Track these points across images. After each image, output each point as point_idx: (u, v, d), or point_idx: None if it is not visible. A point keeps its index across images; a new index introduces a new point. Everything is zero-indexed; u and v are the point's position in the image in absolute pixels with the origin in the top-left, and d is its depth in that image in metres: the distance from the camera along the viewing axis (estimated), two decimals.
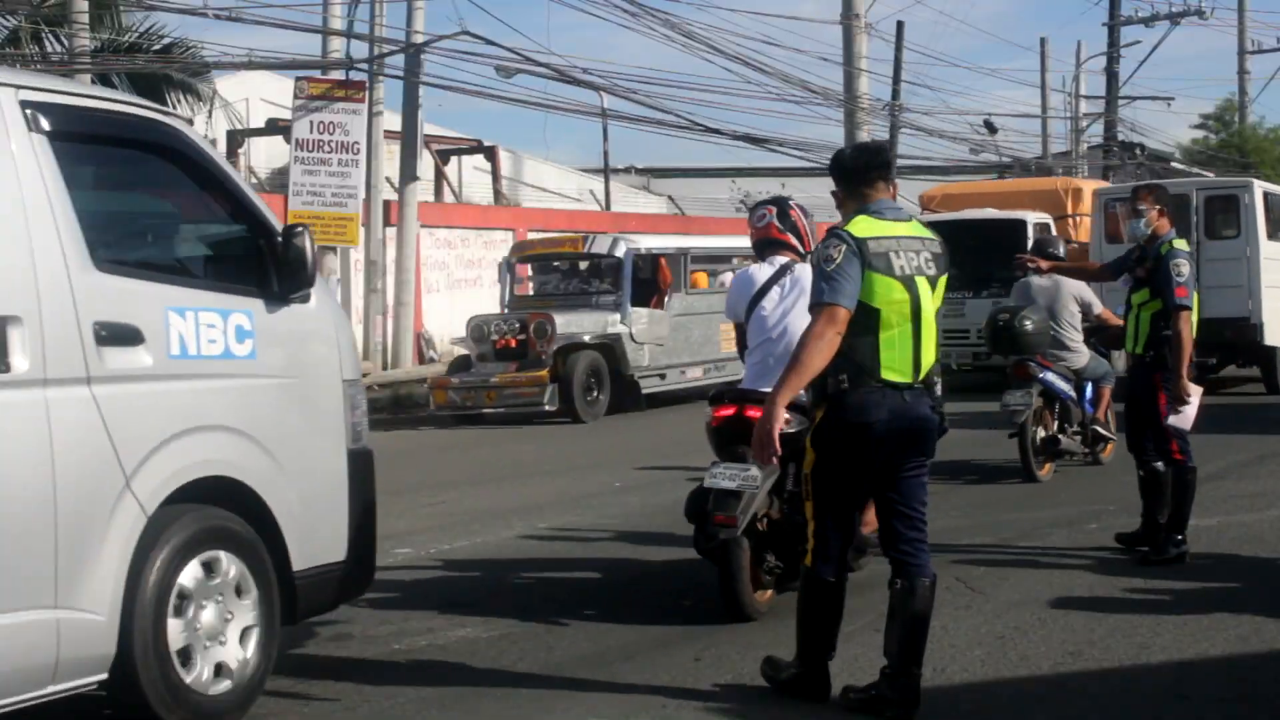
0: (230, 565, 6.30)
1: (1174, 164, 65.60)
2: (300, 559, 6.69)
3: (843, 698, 6.61)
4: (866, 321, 6.29)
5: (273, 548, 6.54)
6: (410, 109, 26.75)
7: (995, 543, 10.10)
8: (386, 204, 26.95)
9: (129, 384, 5.92)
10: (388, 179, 27.52)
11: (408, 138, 26.82)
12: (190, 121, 26.87)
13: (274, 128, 30.93)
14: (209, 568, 6.21)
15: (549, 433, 19.39)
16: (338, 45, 26.67)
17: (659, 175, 56.43)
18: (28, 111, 5.78)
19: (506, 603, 8.91)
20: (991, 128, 45.03)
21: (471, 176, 37.10)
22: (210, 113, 27.17)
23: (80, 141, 6.10)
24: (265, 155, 33.19)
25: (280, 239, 6.60)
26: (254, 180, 30.54)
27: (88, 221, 5.87)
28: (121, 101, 6.66)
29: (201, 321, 6.25)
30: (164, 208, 7.12)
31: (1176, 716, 6.46)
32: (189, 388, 6.20)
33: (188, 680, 6.06)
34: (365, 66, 26.27)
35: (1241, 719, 6.40)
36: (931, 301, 6.44)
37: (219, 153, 7.47)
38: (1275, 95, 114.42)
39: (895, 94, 45.82)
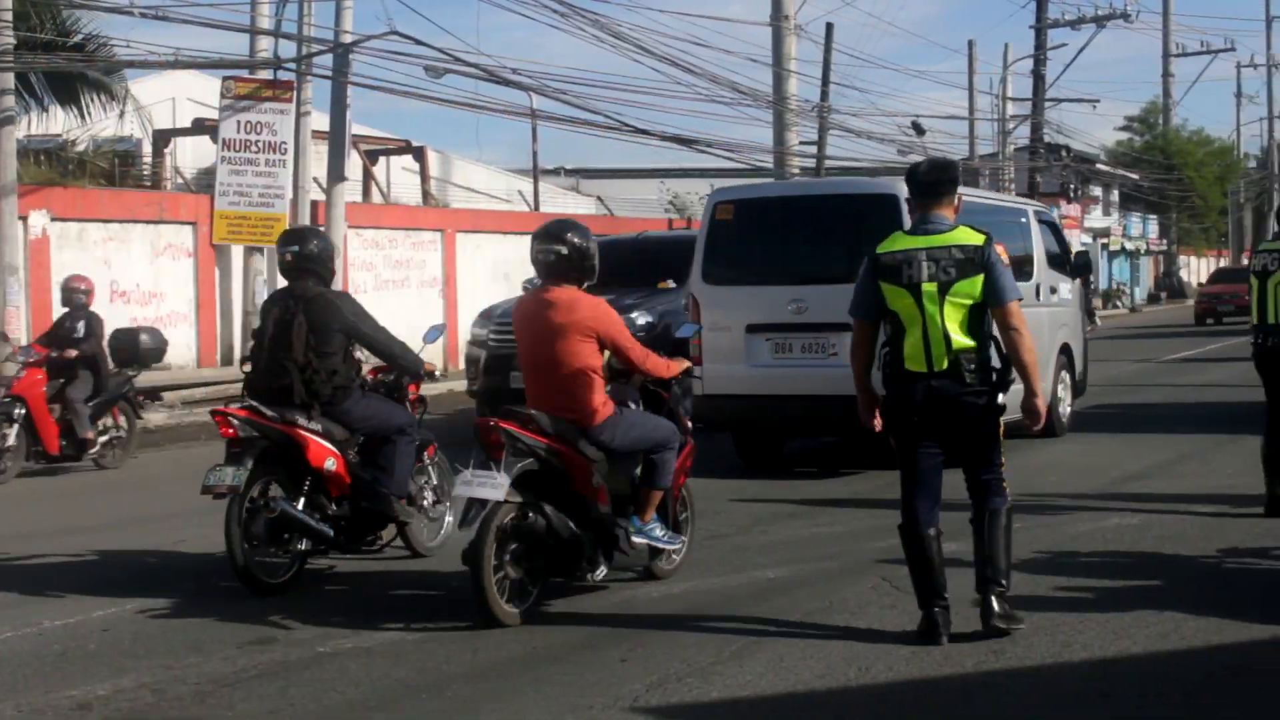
0: None
1: (1099, 165, 66.29)
2: None
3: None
4: (894, 323, 7.62)
5: None
6: (338, 109, 26.62)
7: None
8: (314, 204, 26.82)
9: None
10: (315, 179, 27.39)
11: (335, 138, 26.69)
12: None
13: (201, 127, 30.70)
14: None
15: None
16: (265, 45, 26.51)
17: (588, 176, 56.48)
18: None
19: (434, 604, 8.90)
20: (919, 129, 45.29)
21: (400, 177, 36.98)
22: (122, 113, 26.92)
23: None
24: (192, 155, 32.93)
25: None
26: (180, 180, 30.30)
27: None
28: None
29: None
30: None
31: (1098, 714, 6.52)
32: None
33: None
34: (293, 66, 26.11)
35: (1161, 716, 6.45)
36: (936, 301, 7.50)
37: None
38: (1199, 98, 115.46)
39: (824, 95, 46.01)
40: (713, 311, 13.98)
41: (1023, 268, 15.71)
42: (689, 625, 8.13)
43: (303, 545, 9.37)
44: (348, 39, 26.29)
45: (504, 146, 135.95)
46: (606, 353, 8.77)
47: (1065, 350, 17.25)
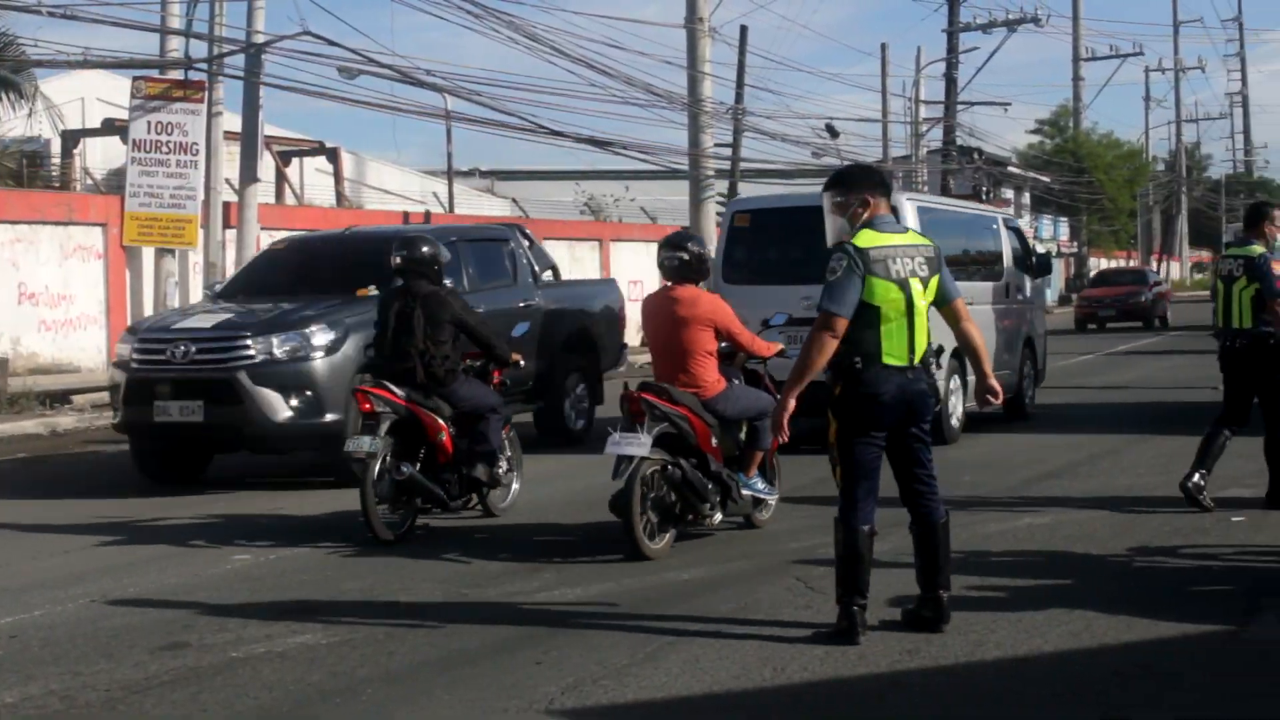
0: None
1: (1011, 168, 66.85)
2: None
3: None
4: (870, 317, 7.60)
5: None
6: (250, 110, 26.40)
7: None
8: (226, 205, 26.57)
9: None
10: (227, 180, 27.14)
11: (248, 139, 26.47)
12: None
13: (110, 128, 30.40)
14: None
15: None
16: (176, 45, 26.23)
17: (503, 178, 56.37)
18: None
19: (347, 608, 8.83)
20: (833, 132, 45.50)
21: (314, 178, 36.76)
22: (30, 112, 26.59)
23: None
24: (102, 156, 32.61)
25: None
26: (90, 181, 29.96)
27: None
28: None
29: None
30: None
31: (1011, 713, 6.57)
32: None
33: None
34: (204, 66, 25.86)
35: (1073, 714, 6.51)
36: (923, 298, 7.72)
37: None
38: (1109, 101, 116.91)
39: (739, 97, 46.12)
40: (733, 309, 14.50)
41: (993, 268, 18.42)
42: (604, 627, 8.12)
43: (418, 503, 11.28)
44: (260, 39, 26.08)
45: (418, 148, 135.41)
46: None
47: (1029, 343, 19.22)
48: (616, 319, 18.58)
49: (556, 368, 16.80)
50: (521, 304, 16.29)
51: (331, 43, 27.21)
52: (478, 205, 42.33)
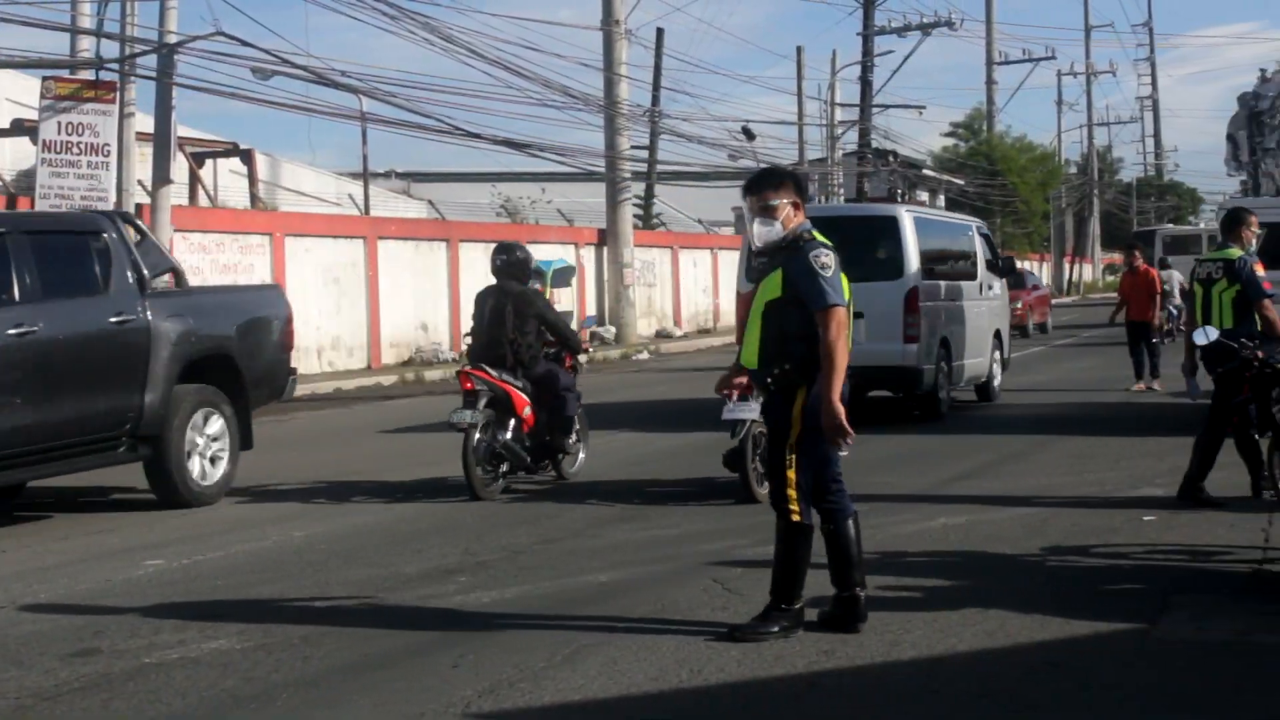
0: None
1: (926, 171, 67.32)
2: None
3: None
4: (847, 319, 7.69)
5: None
6: (163, 110, 26.18)
7: (750, 543, 10.20)
8: (138, 207, 26.30)
9: None
10: (140, 182, 26.88)
11: (160, 140, 26.25)
12: None
13: (20, 128, 29.98)
14: None
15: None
16: (87, 44, 26.01)
17: (419, 179, 56.13)
18: None
19: (262, 612, 8.76)
20: (749, 134, 45.71)
21: (228, 180, 36.43)
22: None
23: None
24: (11, 157, 32.14)
25: None
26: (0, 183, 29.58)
27: None
28: None
29: None
30: None
31: (926, 712, 6.61)
32: None
33: None
34: (116, 66, 25.62)
35: (987, 713, 6.56)
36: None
37: None
38: (1022, 105, 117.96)
39: (655, 100, 46.29)
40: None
41: (970, 269, 20.82)
42: (522, 630, 8.11)
43: (504, 468, 13.10)
44: (172, 39, 25.87)
45: (334, 149, 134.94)
46: None
47: (997, 335, 21.74)
48: (277, 336, 14.49)
49: (172, 404, 12.79)
50: (115, 319, 12.47)
51: (245, 43, 26.95)
52: (393, 207, 42.13)
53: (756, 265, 8.11)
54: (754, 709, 6.71)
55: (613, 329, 39.07)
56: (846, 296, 7.74)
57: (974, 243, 21.13)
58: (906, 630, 7.87)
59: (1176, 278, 33.76)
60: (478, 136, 32.80)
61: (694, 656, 7.44)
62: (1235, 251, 11.99)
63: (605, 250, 39.85)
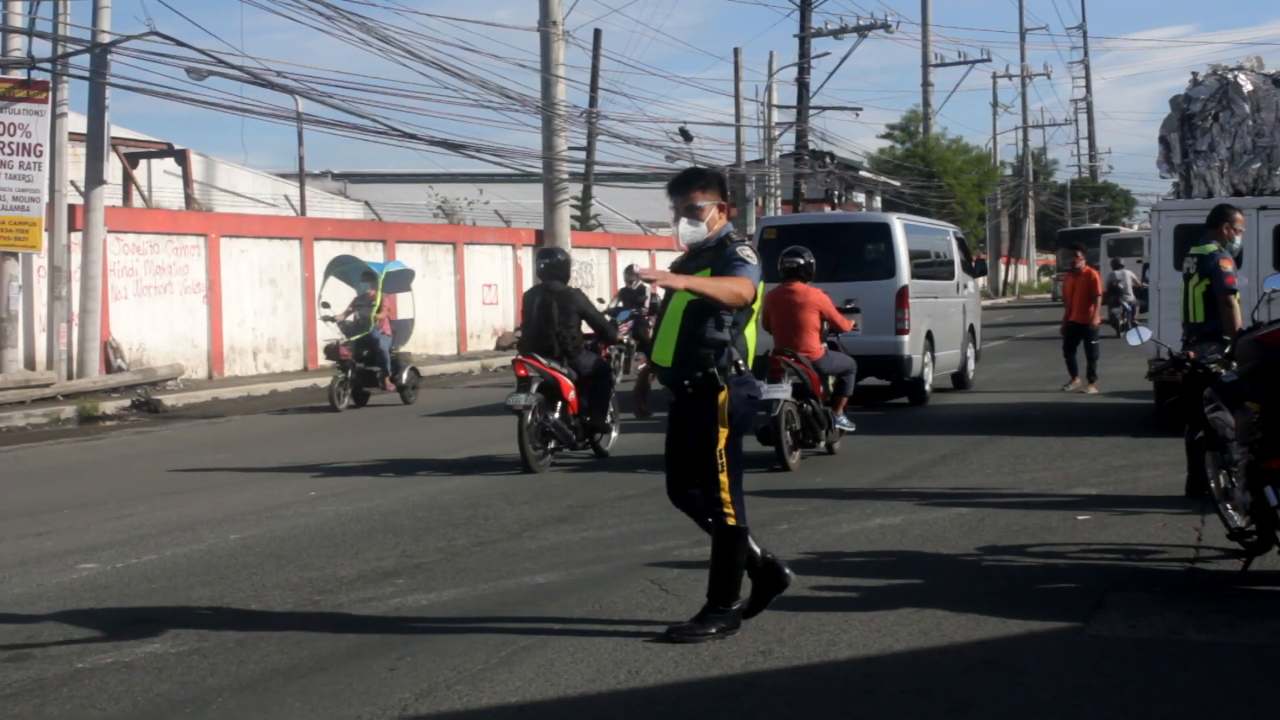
0: None
1: (862, 172, 67.59)
2: None
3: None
4: (746, 319, 7.79)
5: None
6: (96, 111, 25.99)
7: (687, 544, 10.20)
8: (71, 208, 26.11)
9: None
10: (73, 182, 26.67)
11: (94, 140, 26.05)
12: None
13: None
14: None
15: (243, 440, 19.05)
16: (19, 44, 25.72)
17: (356, 180, 55.93)
18: None
19: (197, 616, 8.71)
20: (687, 135, 45.73)
21: (162, 181, 36.17)
22: None
23: None
24: None
25: None
26: None
27: None
28: None
29: None
30: None
31: (863, 711, 6.63)
32: None
33: None
34: (48, 66, 25.41)
35: (923, 711, 6.58)
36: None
37: None
38: (958, 107, 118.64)
39: (593, 101, 46.25)
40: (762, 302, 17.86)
41: (950, 270, 23.51)
42: (459, 632, 8.09)
43: (551, 445, 15.04)
44: (106, 39, 25.69)
45: (270, 150, 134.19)
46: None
47: (971, 329, 24.19)
48: None
49: None
50: None
51: (179, 43, 26.85)
52: (329, 208, 41.94)
53: (676, 264, 8.13)
54: (691, 710, 6.71)
55: None
56: (757, 305, 7.85)
57: (951, 246, 23.88)
58: (843, 630, 7.89)
59: (1129, 276, 34.19)
60: (414, 137, 32.68)
61: (631, 658, 7.44)
62: (1211, 247, 12.20)
63: None
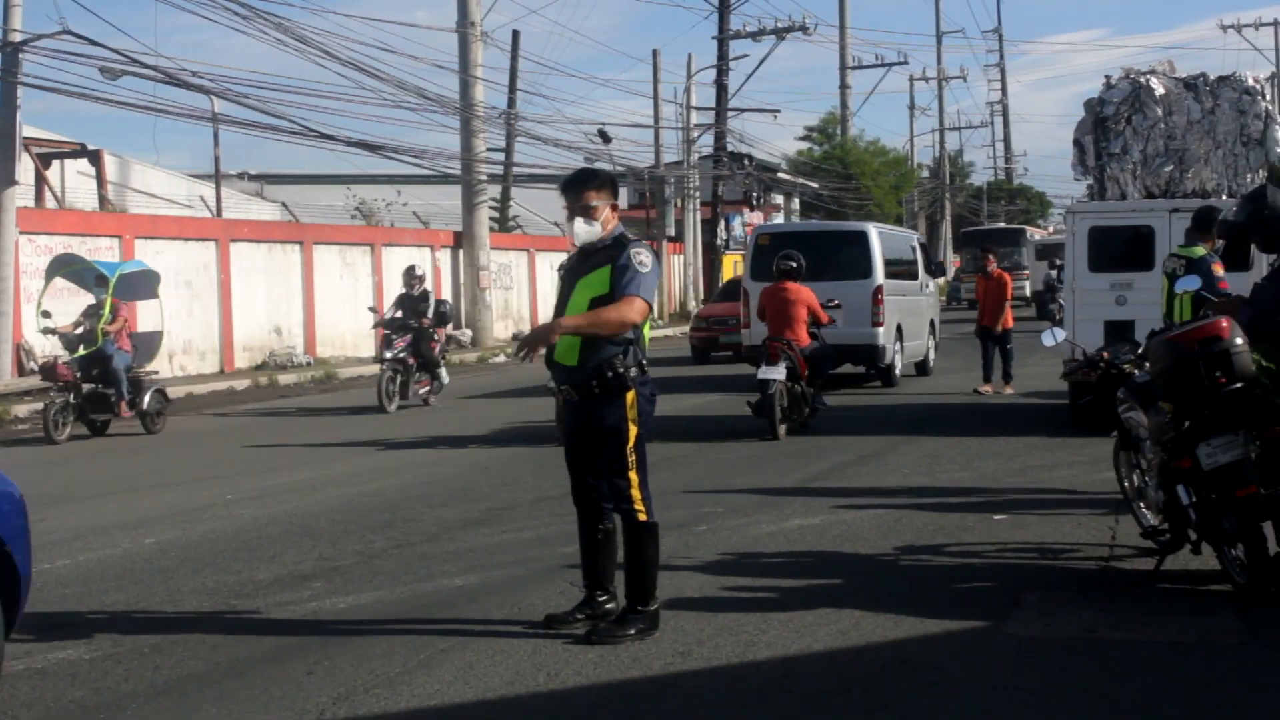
0: None
1: (781, 174, 67.83)
2: None
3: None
4: (649, 315, 7.87)
5: None
6: (8, 110, 25.69)
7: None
8: None
9: None
10: None
11: (4, 140, 25.73)
12: None
13: None
14: None
15: (163, 446, 18.88)
16: None
17: (273, 181, 55.55)
18: None
19: (111, 621, 8.62)
20: (605, 137, 45.74)
21: (76, 181, 35.78)
22: None
23: None
24: None
25: None
26: None
27: None
28: None
29: None
30: None
31: (781, 711, 6.65)
32: None
33: None
34: None
35: (841, 711, 6.61)
36: None
37: None
38: (875, 109, 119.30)
39: (511, 102, 46.17)
40: (757, 298, 19.97)
41: (913, 271, 26.64)
42: (377, 635, 8.05)
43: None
44: (17, 38, 25.39)
45: (186, 150, 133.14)
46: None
47: (931, 322, 27.55)
48: None
49: None
50: None
51: (93, 42, 26.56)
52: (246, 209, 41.65)
53: (568, 264, 8.12)
54: (610, 711, 6.71)
55: (469, 332, 38.92)
56: (654, 304, 7.91)
57: (915, 250, 27.47)
58: (762, 631, 7.91)
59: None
60: (331, 138, 32.52)
61: (551, 660, 7.43)
62: (1200, 250, 12.30)
63: (461, 253, 39.71)
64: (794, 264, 18.21)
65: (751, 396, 17.64)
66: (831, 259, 23.18)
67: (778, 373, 17.10)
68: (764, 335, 18.33)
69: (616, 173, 48.98)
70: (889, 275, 24.38)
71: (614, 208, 8.00)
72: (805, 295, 18.09)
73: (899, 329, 24.65)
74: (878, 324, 23.70)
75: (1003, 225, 71.54)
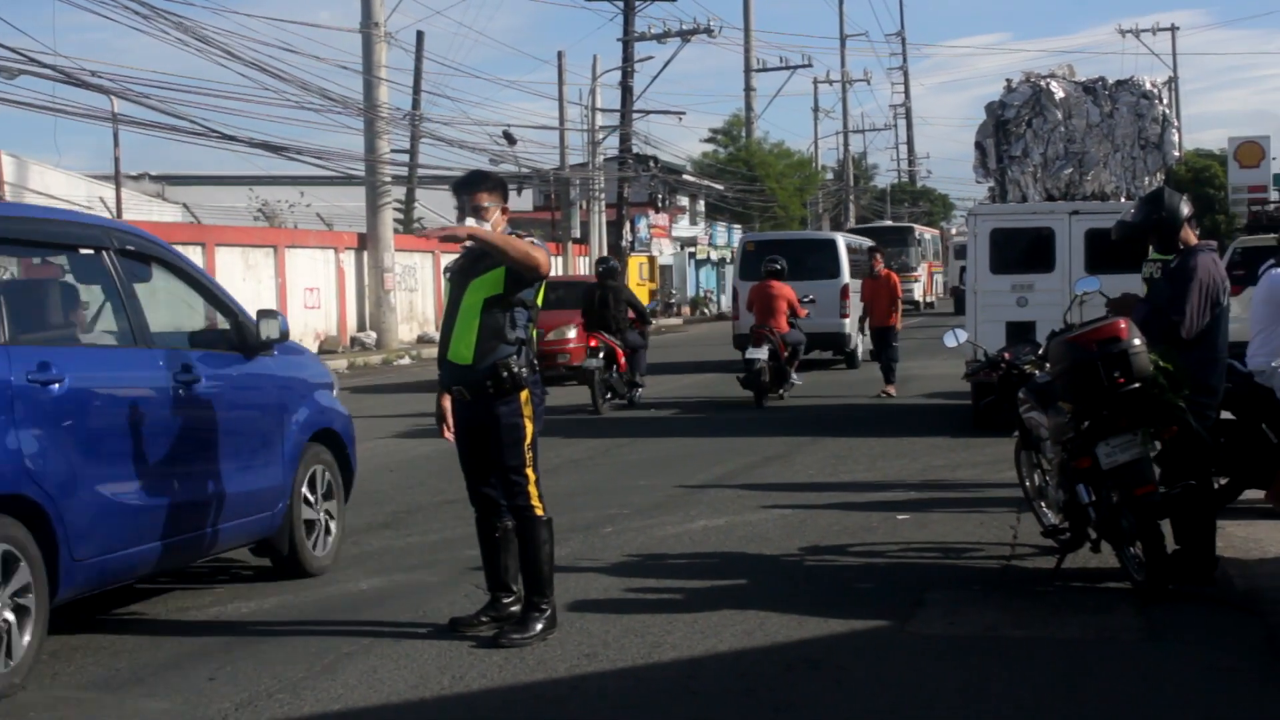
0: None
1: (686, 176, 67.97)
2: None
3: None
4: (536, 314, 8.02)
5: None
6: None
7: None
8: None
9: None
10: None
11: None
12: None
13: None
14: None
15: None
16: None
17: (175, 183, 54.97)
18: None
19: None
20: (510, 139, 45.67)
21: None
22: None
23: None
24: None
25: None
26: None
27: None
28: None
29: None
30: None
31: (686, 711, 6.66)
32: None
33: None
34: None
35: (747, 711, 6.64)
36: None
37: None
38: (779, 111, 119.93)
39: (416, 103, 45.97)
40: (745, 294, 24.60)
41: (867, 273, 26.97)
42: (280, 640, 7.99)
43: (608, 396, 21.07)
44: None
45: (87, 151, 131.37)
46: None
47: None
48: None
49: None
50: None
51: None
52: (147, 211, 41.21)
53: (456, 265, 8.10)
54: (516, 714, 6.70)
55: (373, 334, 38.70)
56: (540, 299, 8.06)
57: (867, 256, 30.02)
58: (668, 632, 7.93)
59: None
60: (234, 139, 32.25)
61: (456, 663, 7.41)
62: None
63: (366, 255, 39.48)
64: (778, 266, 22.60)
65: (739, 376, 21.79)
66: (806, 262, 27.52)
67: (762, 353, 21.34)
68: (751, 325, 22.56)
69: (522, 174, 49.07)
70: (854, 275, 28.84)
71: (504, 210, 8.05)
72: (786, 292, 22.25)
73: (860, 320, 27.21)
74: (844, 316, 28.59)
75: (889, 223, 70.88)
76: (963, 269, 40.42)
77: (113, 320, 8.33)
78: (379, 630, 8.12)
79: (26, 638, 7.05)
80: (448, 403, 8.08)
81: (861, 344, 28.51)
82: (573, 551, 10.21)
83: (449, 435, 8.15)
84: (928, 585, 9.00)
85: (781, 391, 22.10)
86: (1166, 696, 6.73)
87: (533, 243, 7.79)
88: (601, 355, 20.89)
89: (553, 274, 8.69)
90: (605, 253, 54.96)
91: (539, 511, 7.89)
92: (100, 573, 7.71)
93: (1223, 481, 10.72)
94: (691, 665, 7.35)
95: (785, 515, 11.69)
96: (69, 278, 8.46)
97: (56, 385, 7.39)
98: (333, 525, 9.98)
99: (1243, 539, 10.03)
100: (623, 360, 21.22)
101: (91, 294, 8.50)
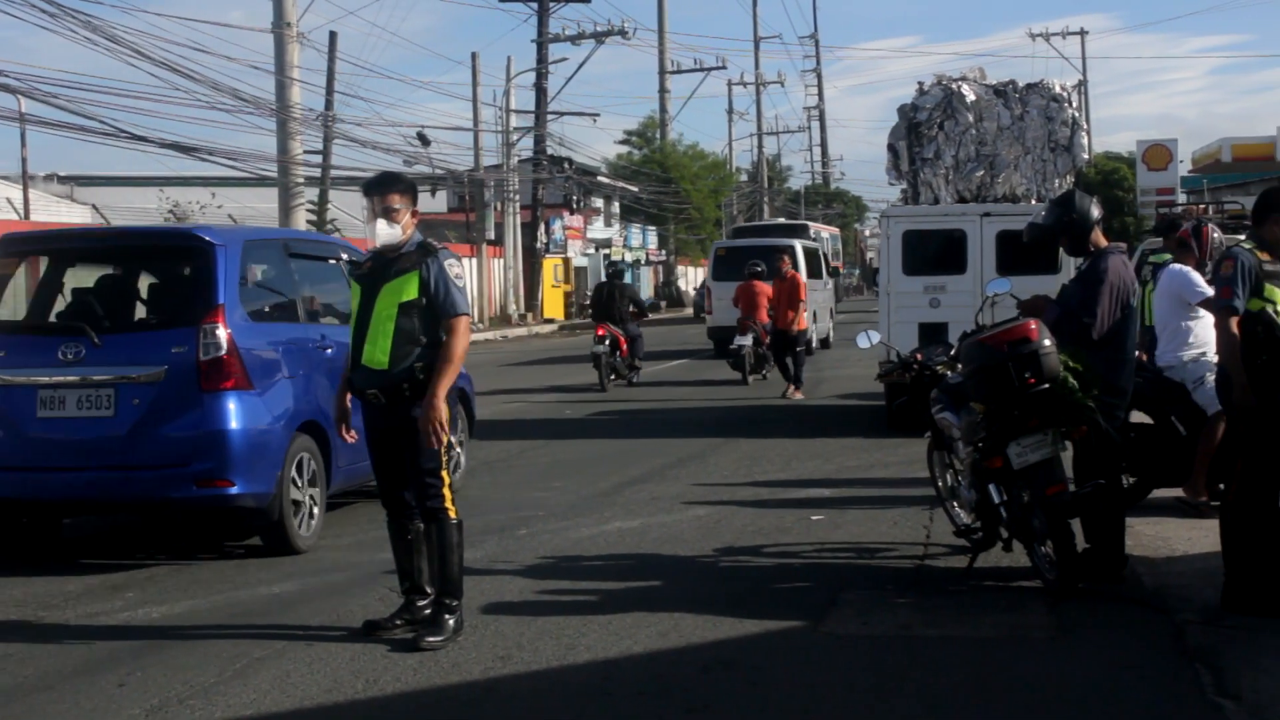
0: None
1: (600, 178, 67.98)
2: None
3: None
4: None
5: None
6: None
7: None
8: None
9: None
10: None
11: None
12: None
13: None
14: None
15: None
16: None
17: (84, 183, 54.42)
18: None
19: None
20: (424, 140, 45.51)
21: None
22: None
23: None
24: None
25: None
26: None
27: None
28: None
29: None
30: None
31: (600, 713, 6.66)
32: None
33: None
34: None
35: (660, 712, 6.64)
36: None
37: None
38: (694, 113, 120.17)
39: (329, 104, 45.70)
40: (718, 291, 31.38)
41: (820, 271, 35.33)
42: (192, 644, 7.92)
43: (612, 377, 24.83)
44: None
45: None
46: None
47: (831, 310, 37.41)
48: None
49: None
50: None
51: None
52: (55, 212, 40.76)
53: (364, 268, 8.07)
54: (430, 717, 6.68)
55: None
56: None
57: (821, 258, 36.08)
58: (582, 634, 7.92)
59: None
60: (144, 139, 31.90)
61: (370, 667, 7.37)
62: (1169, 256, 12.37)
63: None
64: (760, 269, 25.65)
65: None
66: (767, 264, 28.23)
67: (747, 341, 24.99)
68: (724, 319, 28.42)
69: (436, 176, 48.90)
70: (810, 275, 31.96)
71: (415, 213, 8.04)
72: (766, 290, 25.10)
73: (814, 314, 31.31)
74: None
75: (782, 221, 63.05)
76: (872, 273, 43.53)
77: (336, 306, 11.70)
78: (292, 634, 8.07)
79: (317, 510, 10.76)
80: (346, 403, 8.15)
81: (815, 335, 32.39)
82: (487, 554, 10.17)
83: (348, 436, 8.23)
84: (842, 585, 9.04)
85: (764, 372, 25.48)
86: (1077, 693, 6.80)
87: (456, 281, 7.90)
88: (607, 343, 24.62)
89: (466, 276, 8.71)
90: (519, 254, 54.92)
91: (452, 514, 7.87)
92: (347, 476, 11.36)
93: (1131, 481, 10.86)
94: (606, 667, 7.35)
95: (700, 516, 11.71)
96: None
97: (329, 350, 11.04)
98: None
99: (1151, 537, 10.14)
100: (625, 347, 25.05)
101: (328, 289, 11.80)
